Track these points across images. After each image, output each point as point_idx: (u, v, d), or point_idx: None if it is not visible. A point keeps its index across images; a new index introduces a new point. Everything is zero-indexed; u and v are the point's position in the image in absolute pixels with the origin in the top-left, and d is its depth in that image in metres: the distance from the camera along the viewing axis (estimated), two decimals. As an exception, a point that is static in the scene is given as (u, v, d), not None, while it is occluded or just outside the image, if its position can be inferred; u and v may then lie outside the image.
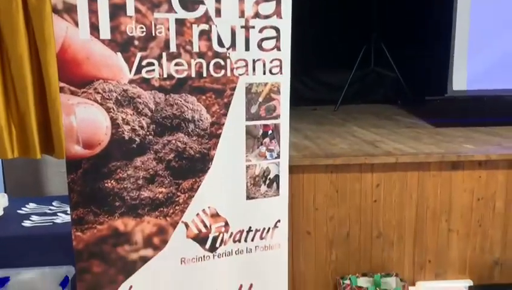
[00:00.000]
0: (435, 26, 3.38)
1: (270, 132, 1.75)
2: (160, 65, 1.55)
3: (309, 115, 3.56)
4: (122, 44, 1.49)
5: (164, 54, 1.55)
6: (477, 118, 3.21)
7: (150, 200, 1.60)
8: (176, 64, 1.57)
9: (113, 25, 1.46)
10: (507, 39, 2.91)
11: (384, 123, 3.14)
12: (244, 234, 1.76)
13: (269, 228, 1.80)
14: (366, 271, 2.19)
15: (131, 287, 1.61)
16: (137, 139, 1.56)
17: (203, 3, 1.56)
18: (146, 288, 1.63)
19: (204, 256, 1.70)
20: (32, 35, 1.93)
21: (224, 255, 1.73)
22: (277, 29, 1.67)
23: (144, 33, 1.51)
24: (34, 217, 2.11)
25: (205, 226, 1.69)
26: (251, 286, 1.79)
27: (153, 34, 1.52)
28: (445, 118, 3.26)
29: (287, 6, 1.67)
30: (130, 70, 1.51)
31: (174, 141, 1.60)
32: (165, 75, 1.56)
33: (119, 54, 1.49)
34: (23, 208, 2.23)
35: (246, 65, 1.66)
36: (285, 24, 1.68)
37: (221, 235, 1.72)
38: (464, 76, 2.74)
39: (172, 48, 1.55)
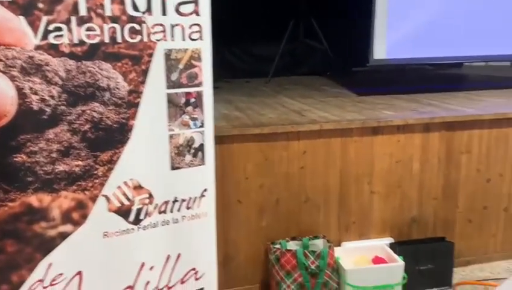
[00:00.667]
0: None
1: (192, 99, 1.71)
2: (70, 30, 1.45)
3: (242, 87, 3.57)
4: (24, 6, 1.38)
5: (73, 18, 1.45)
6: (398, 87, 3.38)
7: (66, 174, 1.53)
8: (88, 30, 1.48)
9: (12, -15, 1.35)
10: (425, 10, 3.05)
11: (312, 94, 3.21)
12: (170, 204, 1.73)
13: (196, 198, 1.78)
14: (295, 235, 2.26)
15: (50, 264, 1.54)
16: (47, 109, 1.46)
17: (113, -37, 1.47)
18: (67, 265, 1.57)
19: (128, 229, 1.65)
20: None
21: (149, 227, 1.70)
22: (195, -7, 1.62)
23: (49, -5, 1.40)
24: None
25: (127, 198, 1.64)
26: (179, 255, 1.78)
27: (60, -4, 1.41)
28: (369, 87, 3.39)
29: (205, -31, 1.62)
30: (36, 36, 1.41)
31: (89, 111, 1.52)
32: (76, 41, 1.47)
33: (21, 17, 1.38)
34: None
35: (164, 30, 1.60)
36: (203, -13, 1.63)
37: (145, 207, 1.68)
38: (384, 46, 2.86)
39: (82, 12, 1.46)
